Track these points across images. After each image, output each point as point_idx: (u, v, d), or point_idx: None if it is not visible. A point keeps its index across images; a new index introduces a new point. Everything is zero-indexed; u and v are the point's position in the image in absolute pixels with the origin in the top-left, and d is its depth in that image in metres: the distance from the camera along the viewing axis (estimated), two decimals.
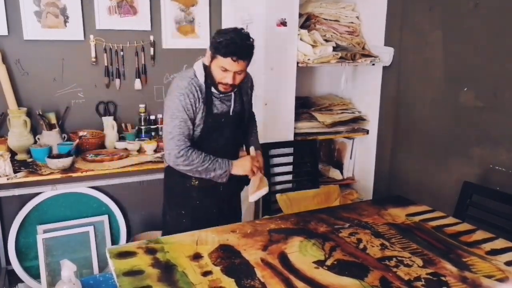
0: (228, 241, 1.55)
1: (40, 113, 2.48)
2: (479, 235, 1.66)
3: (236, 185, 1.98)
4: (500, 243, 1.59)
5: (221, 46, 1.64)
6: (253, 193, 1.78)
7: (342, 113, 3.01)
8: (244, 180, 1.91)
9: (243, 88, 1.91)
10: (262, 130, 2.50)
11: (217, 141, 1.82)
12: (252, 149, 1.87)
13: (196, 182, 1.85)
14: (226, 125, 1.83)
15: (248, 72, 1.88)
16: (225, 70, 1.68)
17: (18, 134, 2.35)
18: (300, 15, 2.78)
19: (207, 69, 1.75)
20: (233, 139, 1.89)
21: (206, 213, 1.89)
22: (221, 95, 1.80)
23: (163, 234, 1.88)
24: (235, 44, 1.64)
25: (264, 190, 1.79)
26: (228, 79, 1.69)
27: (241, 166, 1.78)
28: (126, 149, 2.54)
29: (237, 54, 1.65)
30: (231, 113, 1.84)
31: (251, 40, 1.73)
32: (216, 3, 2.87)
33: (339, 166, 3.24)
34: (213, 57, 1.69)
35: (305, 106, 3.04)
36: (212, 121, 1.78)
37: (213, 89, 1.77)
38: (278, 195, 2.56)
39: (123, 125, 2.74)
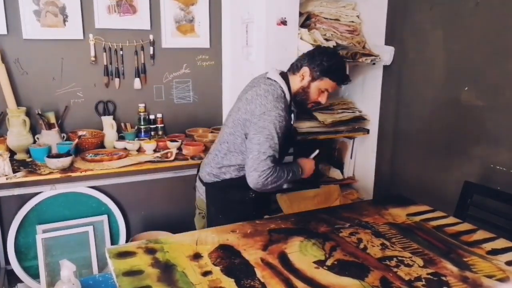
0: (228, 241, 1.54)
1: (39, 112, 2.47)
2: (480, 235, 1.66)
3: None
4: (501, 243, 1.59)
5: (333, 71, 1.70)
6: None
7: (342, 112, 3.00)
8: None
9: None
10: None
11: (287, 150, 1.93)
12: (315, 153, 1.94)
13: (253, 195, 1.84)
14: (291, 136, 1.89)
15: None
16: (325, 91, 1.74)
17: (17, 133, 2.34)
18: (300, 14, 2.77)
19: (292, 85, 1.79)
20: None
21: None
22: (292, 109, 1.84)
23: None
24: (344, 70, 1.75)
25: None
26: (323, 99, 1.76)
27: (309, 170, 1.86)
28: (125, 148, 2.53)
29: (347, 80, 1.76)
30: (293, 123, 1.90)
31: None
32: (215, 2, 2.86)
33: (340, 165, 3.23)
34: (316, 78, 1.73)
35: None
36: (293, 133, 1.86)
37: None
38: (278, 195, 2.55)
39: (122, 124, 2.74)
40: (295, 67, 1.82)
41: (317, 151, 1.90)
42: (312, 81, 1.73)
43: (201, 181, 1.95)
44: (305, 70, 1.74)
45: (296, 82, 1.78)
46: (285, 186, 1.79)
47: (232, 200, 1.85)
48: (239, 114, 1.79)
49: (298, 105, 1.81)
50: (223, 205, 1.89)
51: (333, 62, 1.70)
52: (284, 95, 1.75)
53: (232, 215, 1.85)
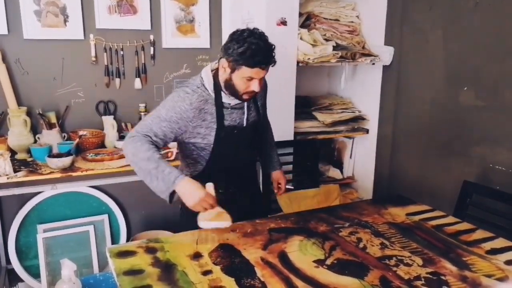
0: (228, 240, 1.55)
1: (40, 112, 2.48)
2: (479, 234, 1.66)
3: (253, 195, 1.92)
4: (500, 242, 1.59)
5: (246, 57, 1.51)
6: (205, 220, 1.53)
7: (342, 112, 3.01)
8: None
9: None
10: None
11: (231, 156, 1.71)
12: (209, 185, 1.55)
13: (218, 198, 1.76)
14: (240, 137, 1.71)
15: None
16: (251, 79, 1.56)
17: (18, 133, 2.35)
18: (300, 15, 2.77)
19: (219, 79, 1.64)
20: (249, 154, 1.79)
21: None
22: (231, 105, 1.68)
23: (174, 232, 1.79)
24: (261, 51, 1.52)
25: (226, 223, 1.53)
26: (255, 87, 1.57)
27: (189, 194, 1.51)
28: None
29: (265, 61, 1.54)
30: (245, 124, 1.72)
31: (268, 38, 1.59)
32: (216, 2, 2.87)
33: (339, 165, 3.24)
34: (234, 69, 1.55)
35: (305, 105, 3.04)
36: (225, 134, 1.66)
37: (224, 100, 1.66)
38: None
39: (123, 124, 2.74)
40: (218, 60, 1.65)
41: (209, 184, 1.56)
42: (232, 72, 1.56)
43: None
44: (223, 62, 1.58)
45: (221, 75, 1.62)
46: (153, 185, 1.54)
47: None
48: None
49: (233, 96, 1.64)
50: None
51: (245, 47, 1.49)
52: (201, 86, 1.64)
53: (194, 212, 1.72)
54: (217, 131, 1.65)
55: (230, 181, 1.76)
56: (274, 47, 1.58)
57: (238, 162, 1.77)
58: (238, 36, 1.54)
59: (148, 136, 1.56)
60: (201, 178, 1.62)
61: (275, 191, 2.00)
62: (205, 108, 1.63)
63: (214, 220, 1.52)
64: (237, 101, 1.67)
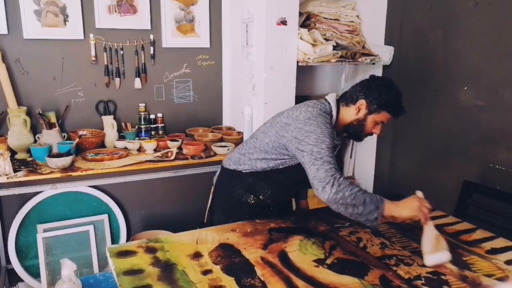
0: (228, 240, 1.55)
1: (40, 112, 2.48)
2: (479, 234, 1.66)
3: (287, 207, 2.03)
4: (500, 242, 1.60)
5: (391, 104, 1.66)
6: (430, 253, 1.43)
7: None
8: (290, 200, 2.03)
9: None
10: None
11: (297, 180, 1.78)
12: (419, 192, 1.54)
13: (252, 201, 1.83)
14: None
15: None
16: (380, 123, 1.70)
17: (18, 133, 2.35)
18: (300, 14, 2.77)
19: (344, 117, 1.73)
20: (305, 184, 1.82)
21: None
22: (335, 144, 1.72)
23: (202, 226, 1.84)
24: (401, 102, 1.68)
25: (446, 254, 1.43)
26: (378, 131, 1.71)
27: (406, 207, 1.46)
28: (126, 148, 2.54)
29: (404, 112, 1.69)
30: None
31: None
32: (216, 2, 2.87)
33: (339, 165, 3.23)
34: (373, 111, 1.67)
35: None
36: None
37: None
38: None
39: (123, 124, 2.74)
40: (349, 99, 1.74)
41: (419, 192, 1.55)
42: (369, 114, 1.68)
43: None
44: (362, 102, 1.68)
45: (351, 114, 1.72)
46: (363, 220, 1.44)
47: (232, 195, 1.86)
48: (280, 118, 1.77)
49: (351, 136, 1.78)
50: (224, 195, 1.91)
51: (392, 96, 1.66)
52: (331, 117, 1.70)
53: (226, 207, 1.90)
54: None
55: (275, 195, 1.85)
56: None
57: (295, 187, 1.93)
58: (384, 83, 1.70)
59: (337, 168, 1.52)
60: (257, 176, 1.77)
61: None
62: None
63: (437, 251, 1.43)
64: (337, 141, 1.77)
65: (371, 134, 1.74)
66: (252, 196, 1.83)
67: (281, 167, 1.77)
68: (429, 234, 1.46)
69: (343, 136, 1.84)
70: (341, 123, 1.75)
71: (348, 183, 1.46)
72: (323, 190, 1.45)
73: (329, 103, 1.74)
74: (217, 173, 2.03)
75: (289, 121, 1.68)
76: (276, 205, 1.90)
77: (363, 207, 1.42)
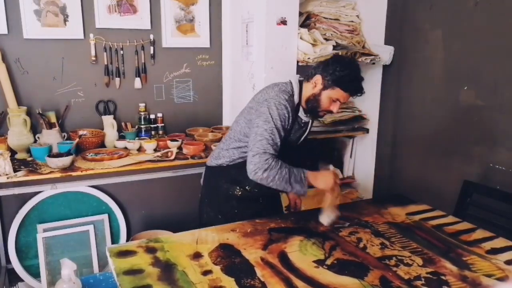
0: (228, 240, 1.55)
1: (40, 112, 2.48)
2: (479, 234, 1.66)
3: (277, 199, 2.04)
4: (500, 242, 1.60)
5: (346, 81, 1.66)
6: (325, 214, 1.72)
7: (342, 112, 3.00)
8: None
9: None
10: None
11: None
12: (331, 166, 1.84)
13: (239, 193, 1.86)
14: (288, 151, 1.79)
15: None
16: (336, 100, 1.71)
17: (18, 133, 2.35)
18: (300, 14, 2.77)
19: (302, 93, 1.77)
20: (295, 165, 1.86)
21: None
22: (302, 121, 1.81)
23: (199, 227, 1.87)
24: (359, 81, 1.68)
25: (335, 214, 1.72)
26: (335, 108, 1.72)
27: (323, 180, 1.67)
28: (126, 148, 2.54)
29: (360, 90, 1.69)
30: (299, 142, 1.88)
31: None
32: (216, 2, 2.86)
33: (339, 165, 3.24)
34: (327, 87, 1.69)
35: None
36: (286, 145, 1.75)
37: (299, 114, 1.79)
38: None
39: (123, 124, 2.74)
40: (309, 75, 1.79)
41: (331, 166, 1.85)
42: (324, 89, 1.70)
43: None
44: (318, 77, 1.72)
45: (309, 89, 1.76)
46: (289, 189, 1.63)
47: (219, 190, 1.89)
48: (248, 103, 1.84)
49: (309, 111, 1.79)
50: (211, 192, 1.94)
51: (347, 73, 1.65)
52: (292, 95, 1.74)
53: (214, 202, 1.92)
54: (283, 141, 1.72)
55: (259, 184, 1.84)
56: (363, 80, 1.72)
57: None
58: (342, 61, 1.70)
59: (273, 151, 1.63)
60: (239, 167, 1.77)
61: (292, 209, 2.13)
62: (290, 118, 1.72)
63: (332, 212, 1.71)
64: (306, 119, 1.82)
65: (329, 111, 1.75)
66: (238, 187, 1.85)
67: None
68: (330, 198, 1.70)
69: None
70: (304, 100, 1.79)
71: (278, 166, 1.59)
72: (255, 174, 1.60)
73: (290, 82, 1.78)
74: (203, 175, 2.04)
75: (253, 104, 1.78)
76: (264, 196, 1.91)
77: (291, 187, 1.62)
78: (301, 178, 1.63)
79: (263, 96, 1.74)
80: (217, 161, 1.90)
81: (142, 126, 2.75)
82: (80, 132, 2.58)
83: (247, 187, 1.85)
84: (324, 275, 1.34)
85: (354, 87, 1.68)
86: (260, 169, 1.58)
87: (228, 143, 1.87)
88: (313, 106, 1.75)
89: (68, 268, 1.39)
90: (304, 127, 1.87)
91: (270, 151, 1.61)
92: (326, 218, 1.71)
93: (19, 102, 2.46)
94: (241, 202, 1.86)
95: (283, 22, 2.48)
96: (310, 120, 1.87)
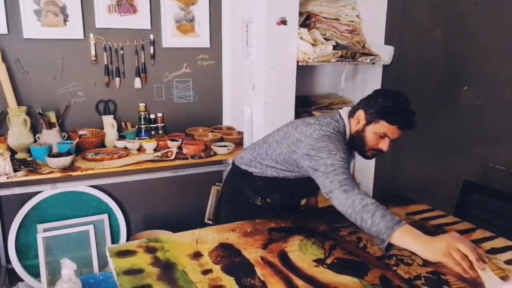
0: (228, 240, 1.55)
1: (40, 112, 2.48)
2: (479, 234, 1.66)
3: (294, 208, 2.00)
4: (500, 242, 1.59)
5: (391, 113, 1.52)
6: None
7: None
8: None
9: None
10: (262, 129, 2.50)
11: (307, 189, 1.81)
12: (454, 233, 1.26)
13: (259, 203, 1.84)
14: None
15: None
16: (384, 136, 1.55)
17: (18, 133, 2.35)
18: (300, 14, 2.77)
19: (348, 130, 1.64)
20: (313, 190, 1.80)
21: None
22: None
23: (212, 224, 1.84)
24: (405, 111, 1.53)
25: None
26: (385, 146, 1.56)
27: (428, 246, 1.22)
28: (126, 148, 2.54)
29: (408, 122, 1.52)
30: None
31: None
32: (216, 2, 2.87)
33: None
34: (372, 121, 1.56)
35: (305, 105, 3.04)
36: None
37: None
38: None
39: (123, 124, 2.74)
40: (352, 111, 1.67)
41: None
42: (367, 125, 1.57)
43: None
44: (360, 113, 1.60)
45: (353, 125, 1.64)
46: (371, 230, 1.31)
47: (243, 194, 1.86)
48: (293, 132, 1.68)
49: (356, 150, 1.67)
50: (235, 192, 1.91)
51: (390, 103, 1.52)
52: (345, 135, 1.64)
53: (233, 204, 1.90)
54: None
55: (283, 200, 1.84)
56: (415, 114, 1.54)
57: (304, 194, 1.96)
58: (385, 93, 1.58)
59: (350, 177, 1.45)
60: (267, 181, 1.76)
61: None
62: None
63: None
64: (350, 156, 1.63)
65: (378, 149, 1.61)
66: (259, 198, 1.83)
67: (291, 177, 1.75)
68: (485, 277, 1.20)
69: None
70: (347, 139, 1.67)
71: (362, 193, 1.38)
72: (333, 195, 1.41)
73: (342, 119, 1.67)
74: (228, 169, 2.03)
75: (302, 137, 1.60)
76: (282, 207, 1.89)
77: (371, 221, 1.29)
78: (394, 219, 1.29)
79: (317, 133, 1.57)
80: (247, 167, 1.85)
81: (142, 126, 2.76)
82: (80, 132, 2.58)
83: (268, 200, 1.83)
84: (324, 274, 1.34)
85: (402, 118, 1.52)
86: (338, 189, 1.40)
87: (264, 158, 1.78)
88: (358, 145, 1.62)
89: (68, 268, 1.39)
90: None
91: (349, 177, 1.44)
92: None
93: (19, 102, 2.46)
94: (260, 210, 1.83)
95: (283, 22, 2.48)
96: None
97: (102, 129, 2.64)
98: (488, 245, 1.57)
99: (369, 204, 1.32)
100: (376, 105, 1.55)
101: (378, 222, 1.29)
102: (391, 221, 1.28)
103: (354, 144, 1.65)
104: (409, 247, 1.26)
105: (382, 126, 1.55)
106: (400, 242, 1.27)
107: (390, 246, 1.31)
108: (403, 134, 1.57)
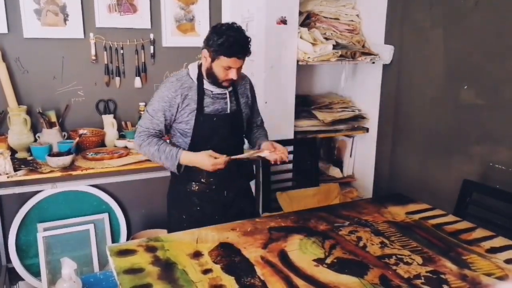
0: (228, 239, 1.55)
1: (40, 111, 2.48)
2: (479, 233, 1.67)
3: (242, 188, 1.98)
4: (499, 241, 1.60)
5: (224, 47, 1.65)
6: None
7: (342, 111, 3.01)
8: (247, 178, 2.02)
9: (240, 89, 1.91)
10: None
11: (211, 140, 1.81)
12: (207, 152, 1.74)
13: (196, 188, 1.85)
14: (219, 124, 1.82)
15: (243, 73, 1.91)
16: (229, 68, 1.70)
17: (18, 132, 2.35)
18: (300, 13, 2.77)
19: (202, 69, 1.79)
20: (230, 140, 1.86)
21: (209, 219, 1.80)
22: (214, 94, 1.80)
23: (168, 232, 1.86)
24: (238, 43, 1.66)
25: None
26: (233, 75, 1.72)
27: (199, 164, 1.73)
28: (126, 147, 2.54)
29: (241, 52, 1.68)
30: (228, 112, 1.84)
31: (246, 33, 1.72)
32: (216, 1, 2.86)
33: (339, 164, 3.24)
34: (214, 58, 1.70)
35: (305, 104, 3.04)
36: (203, 119, 1.78)
37: (206, 87, 1.79)
38: (278, 193, 2.56)
39: (123, 123, 2.75)
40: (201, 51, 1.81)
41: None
42: (212, 61, 1.71)
43: None
44: (204, 52, 1.74)
45: (203, 64, 1.78)
46: (162, 164, 1.79)
47: (178, 190, 1.90)
48: None
49: (213, 83, 1.78)
50: (172, 193, 1.97)
51: (224, 39, 1.64)
52: (187, 76, 1.80)
53: (175, 203, 1.94)
54: (196, 116, 1.78)
55: (213, 174, 1.81)
56: (250, 40, 1.71)
57: (217, 147, 1.78)
58: (218, 29, 1.69)
59: (149, 130, 1.79)
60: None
61: (277, 162, 1.81)
62: (189, 95, 1.78)
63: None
64: (219, 90, 1.81)
65: (230, 80, 1.74)
66: (193, 182, 1.84)
67: (189, 142, 1.82)
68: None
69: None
70: (205, 74, 1.80)
71: (147, 143, 1.76)
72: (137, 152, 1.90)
73: (187, 68, 1.85)
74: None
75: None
76: (230, 188, 1.89)
77: (162, 163, 1.77)
78: (172, 156, 1.73)
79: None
80: None
81: None
82: (80, 131, 2.58)
83: (202, 180, 1.84)
84: (324, 273, 1.34)
85: (236, 50, 1.66)
86: (137, 145, 1.80)
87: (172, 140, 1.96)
88: (213, 80, 1.76)
89: (68, 267, 1.39)
90: (223, 99, 1.82)
91: (145, 130, 1.78)
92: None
93: (19, 101, 2.46)
94: (202, 197, 1.86)
95: (283, 21, 2.48)
96: (228, 91, 1.83)
97: (102, 128, 2.65)
98: (488, 244, 1.57)
99: (154, 153, 1.77)
100: (213, 44, 1.68)
101: (165, 161, 1.76)
102: (170, 157, 1.75)
103: (211, 79, 1.78)
104: (191, 164, 1.75)
105: (223, 61, 1.69)
106: (184, 162, 1.76)
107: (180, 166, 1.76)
108: (244, 60, 1.73)
